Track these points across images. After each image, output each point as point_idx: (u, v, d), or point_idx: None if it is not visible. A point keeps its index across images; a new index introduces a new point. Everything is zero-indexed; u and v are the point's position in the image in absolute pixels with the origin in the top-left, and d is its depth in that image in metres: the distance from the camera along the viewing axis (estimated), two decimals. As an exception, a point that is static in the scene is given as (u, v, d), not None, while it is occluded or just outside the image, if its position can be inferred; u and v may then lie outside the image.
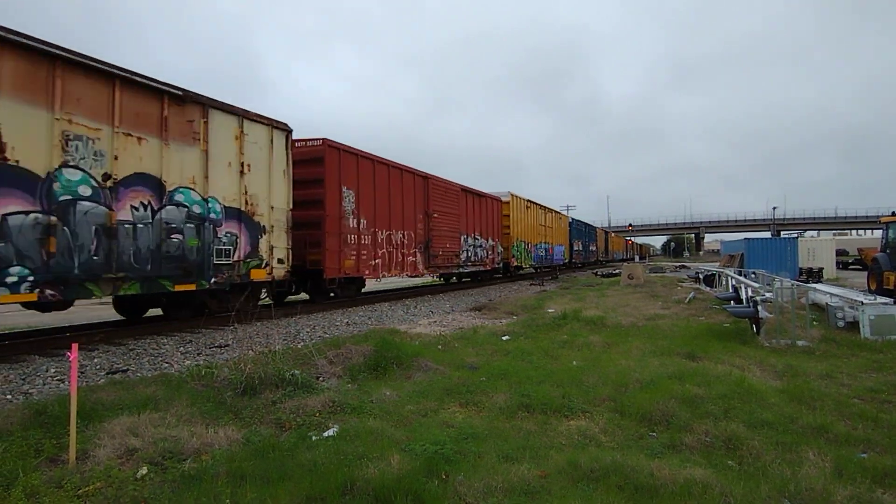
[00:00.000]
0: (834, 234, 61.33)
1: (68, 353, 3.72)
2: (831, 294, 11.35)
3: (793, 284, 10.85)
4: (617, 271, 31.06)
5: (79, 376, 5.93)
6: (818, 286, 14.13)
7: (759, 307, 8.70)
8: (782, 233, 60.77)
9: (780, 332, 8.47)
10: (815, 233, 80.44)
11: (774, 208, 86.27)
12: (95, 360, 6.87)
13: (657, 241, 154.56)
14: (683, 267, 41.96)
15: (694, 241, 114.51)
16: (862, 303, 9.27)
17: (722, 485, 3.19)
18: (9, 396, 5.31)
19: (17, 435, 3.84)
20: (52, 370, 6.33)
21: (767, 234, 67.37)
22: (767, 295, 9.30)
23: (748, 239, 27.91)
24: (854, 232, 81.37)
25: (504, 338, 9.00)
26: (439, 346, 8.09)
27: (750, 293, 9.95)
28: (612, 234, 64.73)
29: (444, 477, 3.35)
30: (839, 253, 35.70)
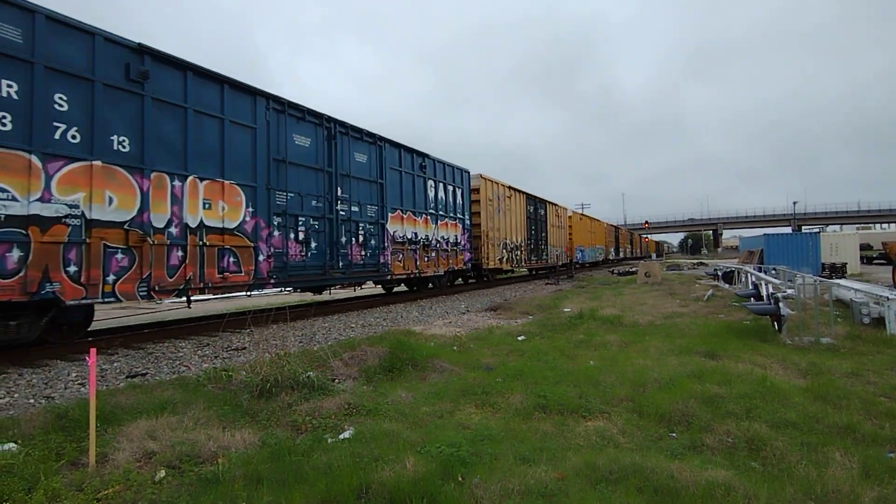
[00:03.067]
0: (857, 229, 60.02)
1: (88, 358, 3.76)
2: (855, 290, 11.08)
3: (815, 280, 10.62)
4: (633, 269, 30.69)
5: (99, 380, 6.03)
6: (842, 282, 13.81)
7: (781, 304, 8.52)
8: (803, 228, 59.67)
9: (802, 330, 8.29)
10: (837, 227, 78.87)
11: (795, 203, 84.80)
12: (115, 364, 6.97)
13: (674, 239, 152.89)
14: (701, 264, 41.38)
15: (711, 237, 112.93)
16: (888, 298, 9.03)
17: (746, 487, 3.11)
18: (31, 400, 5.40)
19: (39, 439, 3.90)
20: (74, 374, 6.43)
21: (788, 230, 66.15)
22: (789, 291, 9.10)
23: (768, 235, 27.39)
24: (878, 226, 79.58)
25: (520, 338, 8.94)
26: (454, 347, 8.06)
27: (771, 290, 9.75)
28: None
29: (460, 479, 3.32)
30: (863, 247, 34.92)
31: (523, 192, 24.39)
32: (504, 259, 21.65)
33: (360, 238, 12.66)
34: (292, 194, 10.56)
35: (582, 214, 38.76)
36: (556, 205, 30.09)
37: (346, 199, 12.17)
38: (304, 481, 3.28)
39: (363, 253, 12.76)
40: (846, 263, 25.73)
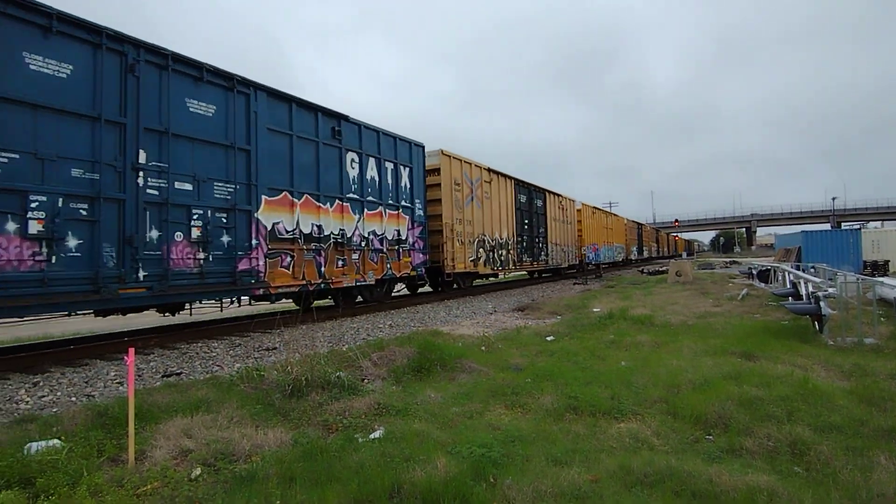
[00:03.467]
0: (900, 225, 57.55)
1: (126, 357, 3.87)
2: (900, 288, 10.62)
3: (857, 278, 10.21)
4: (664, 269, 30.04)
5: (136, 379, 6.19)
6: (885, 280, 13.25)
7: (822, 303, 8.22)
8: (843, 224, 57.54)
9: (845, 330, 7.97)
10: (878, 224, 75.82)
11: (834, 198, 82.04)
12: (151, 364, 7.15)
13: (705, 237, 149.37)
14: (734, 262, 40.29)
15: (745, 235, 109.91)
16: (936, 297, 8.63)
17: (789, 492, 3.00)
18: (73, 399, 5.58)
19: (81, 436, 4.02)
20: (113, 373, 6.62)
21: (826, 227, 63.92)
22: (830, 290, 8.78)
23: (806, 232, 26.53)
24: (922, 221, 76.17)
25: (548, 338, 8.85)
26: (483, 348, 8.02)
27: (811, 288, 9.42)
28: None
29: (491, 480, 3.29)
30: (906, 244, 33.42)
31: (510, 177, 19.91)
32: (481, 260, 17.24)
33: (195, 232, 8.19)
34: (15, 156, 6.20)
35: (595, 208, 33.38)
36: (558, 195, 25.46)
37: (161, 169, 7.73)
38: (337, 480, 3.30)
39: (201, 255, 8.28)
40: (889, 261, 24.75)
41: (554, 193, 24.83)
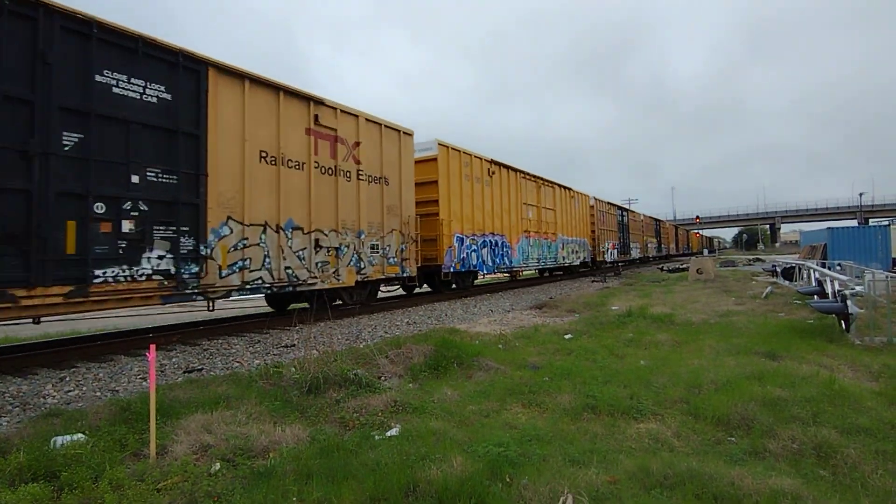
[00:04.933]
0: (932, 221, 55.74)
1: (148, 354, 3.93)
2: (932, 286, 10.28)
3: (887, 276, 9.92)
4: (684, 266, 29.55)
5: (158, 375, 6.30)
6: (916, 278, 12.85)
7: (849, 301, 8.00)
8: (871, 221, 55.94)
9: (873, 329, 7.76)
10: (908, 220, 73.60)
11: (861, 194, 79.72)
12: (173, 360, 7.27)
13: (727, 234, 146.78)
14: (758, 260, 39.50)
15: (768, 232, 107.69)
16: (970, 295, 8.33)
17: (815, 497, 2.92)
18: (98, 393, 5.70)
19: (105, 430, 4.11)
20: (136, 369, 6.75)
21: (854, 223, 62.27)
22: (858, 288, 8.54)
23: (832, 228, 25.88)
24: (955, 217, 73.73)
25: (566, 336, 8.77)
26: (500, 346, 7.98)
27: (837, 287, 9.18)
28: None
29: (508, 480, 3.27)
30: (938, 241, 32.36)
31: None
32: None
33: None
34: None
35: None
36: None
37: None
38: (353, 477, 3.31)
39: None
40: (920, 258, 23.98)
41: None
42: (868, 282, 8.85)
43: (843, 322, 8.21)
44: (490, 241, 16.69)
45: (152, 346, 3.95)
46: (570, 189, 24.19)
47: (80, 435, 3.97)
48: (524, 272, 22.91)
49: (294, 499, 3.08)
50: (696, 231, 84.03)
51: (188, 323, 10.70)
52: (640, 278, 24.26)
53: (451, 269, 14.44)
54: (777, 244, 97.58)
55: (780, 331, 8.48)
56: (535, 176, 20.21)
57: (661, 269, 31.31)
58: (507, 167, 18.01)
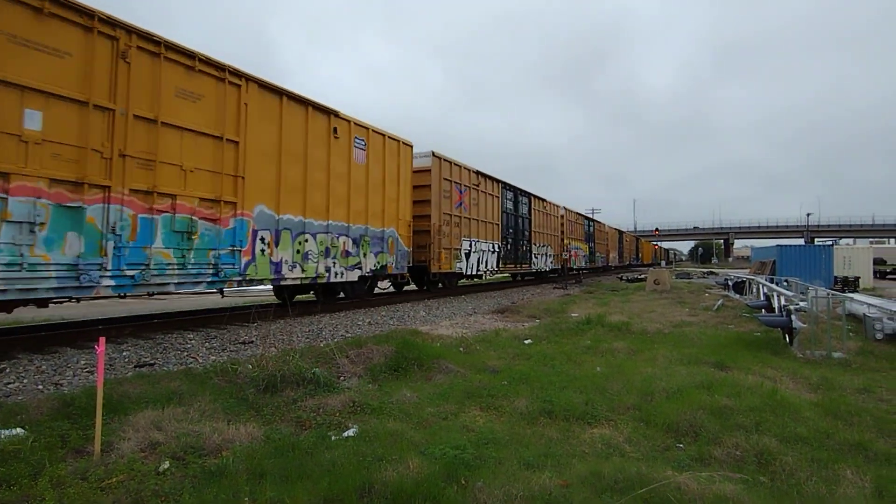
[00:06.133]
0: (871, 242, 59.19)
1: (97, 346, 3.78)
2: (869, 304, 10.90)
3: (828, 293, 10.47)
4: (642, 276, 30.40)
5: (107, 369, 6.06)
6: (855, 296, 13.60)
7: (793, 316, 8.41)
8: (816, 240, 58.93)
9: (814, 343, 8.17)
10: (850, 241, 77.89)
11: (808, 214, 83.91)
12: (124, 354, 7.01)
13: (685, 247, 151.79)
14: (711, 273, 40.99)
15: (723, 246, 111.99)
16: (902, 314, 8.88)
17: (754, 502, 3.06)
18: (40, 387, 5.44)
19: (46, 425, 3.93)
20: (83, 362, 6.47)
21: (801, 241, 65.47)
22: (802, 304, 8.98)
23: (781, 245, 27.08)
24: (892, 240, 78.49)
25: (526, 341, 8.90)
26: (461, 349, 8.03)
27: (783, 302, 9.63)
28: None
29: (463, 483, 3.30)
30: (877, 262, 34.36)
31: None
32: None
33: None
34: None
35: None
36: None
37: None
38: (308, 478, 3.27)
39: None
40: (859, 277, 25.41)
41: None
42: (811, 298, 9.32)
43: (787, 336, 8.62)
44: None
45: (101, 339, 3.80)
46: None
47: (18, 430, 3.79)
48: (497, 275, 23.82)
49: (246, 499, 3.02)
50: (655, 243, 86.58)
51: (142, 316, 10.34)
52: (601, 287, 24.82)
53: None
54: (730, 259, 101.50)
55: (729, 342, 8.84)
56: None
57: (621, 279, 32.11)
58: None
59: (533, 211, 24.11)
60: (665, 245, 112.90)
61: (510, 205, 21.57)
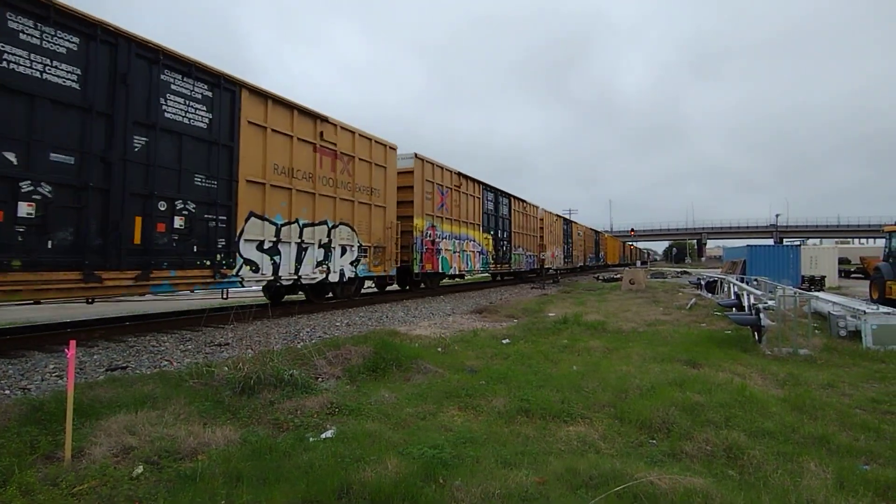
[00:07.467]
0: (836, 243, 61.15)
1: (67, 350, 3.70)
2: (833, 303, 11.30)
3: (795, 292, 10.80)
4: (618, 276, 30.87)
5: (78, 373, 5.93)
6: (820, 294, 14.07)
7: (762, 315, 8.66)
8: (785, 240, 60.60)
9: (781, 341, 8.42)
10: (817, 241, 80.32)
11: (777, 215, 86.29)
12: (95, 357, 6.85)
13: (660, 247, 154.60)
14: (685, 273, 41.85)
15: (696, 247, 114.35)
16: (864, 312, 9.22)
17: (722, 495, 3.15)
18: (7, 392, 5.29)
19: (14, 431, 3.82)
20: (52, 366, 6.31)
21: (770, 242, 67.26)
22: (770, 303, 9.26)
23: (751, 246, 27.81)
24: (857, 240, 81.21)
25: (504, 341, 8.97)
26: (439, 349, 8.06)
27: (752, 300, 9.91)
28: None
29: (441, 482, 3.33)
30: (841, 261, 35.53)
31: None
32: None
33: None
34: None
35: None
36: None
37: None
38: (285, 480, 3.26)
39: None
40: (825, 276, 26.21)
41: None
42: (779, 297, 9.61)
43: (756, 333, 8.87)
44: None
45: (72, 342, 3.73)
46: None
47: (-16, 436, 3.68)
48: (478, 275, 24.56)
49: (222, 502, 3.00)
50: (630, 243, 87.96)
51: (114, 318, 10.12)
52: (577, 286, 25.13)
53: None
54: (703, 258, 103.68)
55: (701, 340, 9.06)
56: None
57: (597, 279, 32.53)
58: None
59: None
60: (640, 245, 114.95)
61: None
